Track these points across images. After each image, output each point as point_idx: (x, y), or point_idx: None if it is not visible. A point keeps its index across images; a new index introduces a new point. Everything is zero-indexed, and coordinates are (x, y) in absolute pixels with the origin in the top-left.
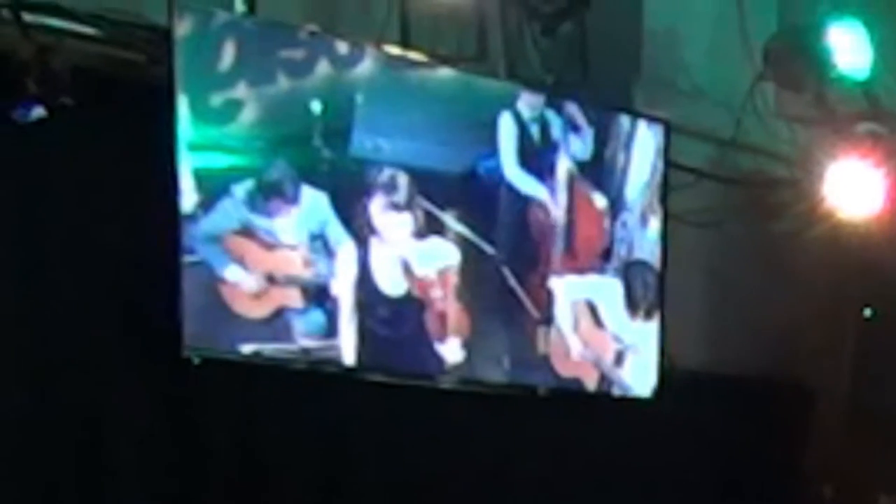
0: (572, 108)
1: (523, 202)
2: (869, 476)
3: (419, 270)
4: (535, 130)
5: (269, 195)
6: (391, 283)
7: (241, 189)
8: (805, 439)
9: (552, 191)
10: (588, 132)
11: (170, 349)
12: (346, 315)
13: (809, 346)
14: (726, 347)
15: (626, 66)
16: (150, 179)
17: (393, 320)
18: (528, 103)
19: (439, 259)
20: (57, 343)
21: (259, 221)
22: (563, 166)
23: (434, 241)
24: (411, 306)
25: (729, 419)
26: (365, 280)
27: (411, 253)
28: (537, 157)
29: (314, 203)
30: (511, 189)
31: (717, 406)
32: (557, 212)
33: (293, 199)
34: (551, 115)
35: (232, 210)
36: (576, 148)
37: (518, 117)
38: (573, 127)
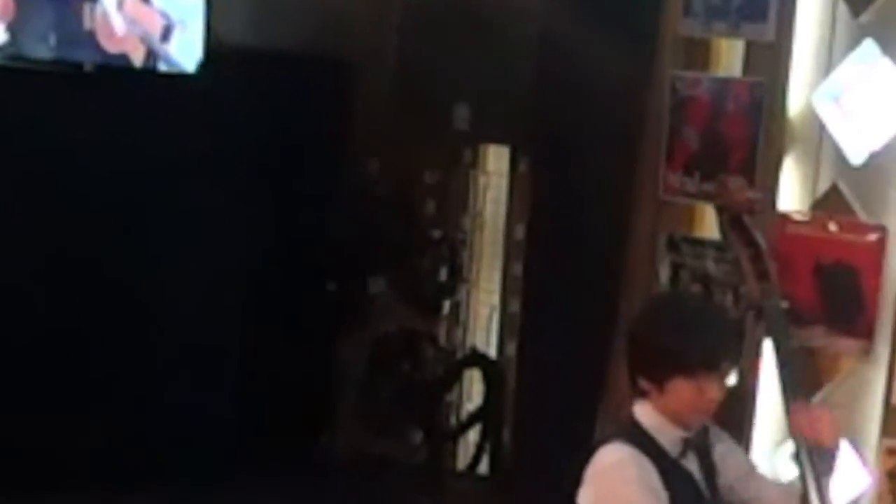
0: None
1: None
2: (413, 152)
3: None
4: None
5: None
6: None
7: None
8: (350, 115)
9: None
10: None
11: None
12: None
13: (355, 22)
14: (273, 24)
15: None
16: None
17: None
18: None
19: None
20: None
21: None
22: None
23: None
24: None
25: (275, 95)
26: None
27: None
28: None
29: None
30: None
31: (264, 82)
32: None
33: None
34: None
35: None
36: None
37: None
38: None
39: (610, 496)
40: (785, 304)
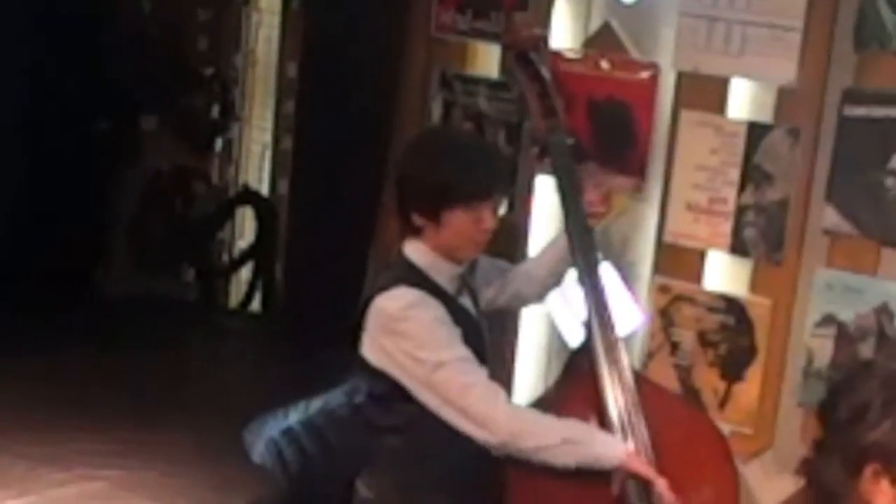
0: None
1: None
2: None
3: None
4: None
5: None
6: None
7: None
8: None
9: None
10: None
11: None
12: None
13: None
14: None
15: None
16: None
17: None
18: None
19: None
20: None
21: None
22: None
23: None
24: None
25: None
26: None
27: None
28: None
29: None
30: None
31: None
32: None
33: None
34: None
35: None
36: None
37: None
38: None
39: (419, 338)
40: (570, 141)
